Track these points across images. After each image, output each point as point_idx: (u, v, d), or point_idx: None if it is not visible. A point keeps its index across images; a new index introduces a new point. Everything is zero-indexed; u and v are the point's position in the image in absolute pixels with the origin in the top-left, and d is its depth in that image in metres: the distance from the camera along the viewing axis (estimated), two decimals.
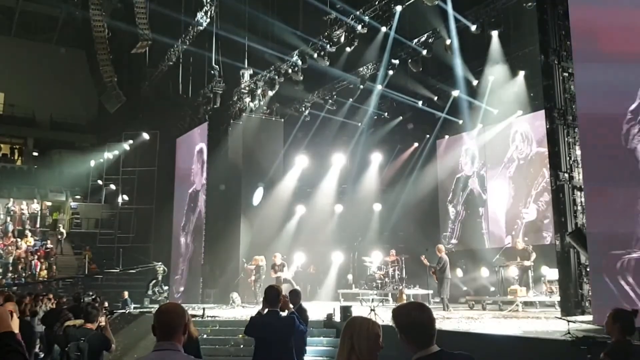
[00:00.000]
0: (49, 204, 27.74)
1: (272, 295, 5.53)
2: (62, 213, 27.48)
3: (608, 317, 4.56)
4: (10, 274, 22.12)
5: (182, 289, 20.31)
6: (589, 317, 8.85)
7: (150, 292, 16.65)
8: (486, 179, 17.22)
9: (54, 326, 10.26)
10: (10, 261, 22.53)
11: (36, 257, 23.19)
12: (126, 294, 17.32)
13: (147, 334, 10.06)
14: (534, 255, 13.06)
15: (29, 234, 24.68)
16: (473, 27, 13.33)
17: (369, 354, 2.50)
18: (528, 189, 15.68)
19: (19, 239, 24.15)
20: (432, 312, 2.59)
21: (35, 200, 26.99)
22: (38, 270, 22.72)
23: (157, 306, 13.78)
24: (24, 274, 22.46)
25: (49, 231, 25.80)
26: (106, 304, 13.58)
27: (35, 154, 31.70)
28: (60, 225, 25.83)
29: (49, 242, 24.54)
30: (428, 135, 19.11)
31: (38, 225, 26.14)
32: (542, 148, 13.79)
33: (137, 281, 19.90)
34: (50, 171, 29.24)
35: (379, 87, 17.29)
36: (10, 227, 24.64)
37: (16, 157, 31.80)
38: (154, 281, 17.06)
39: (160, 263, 17.88)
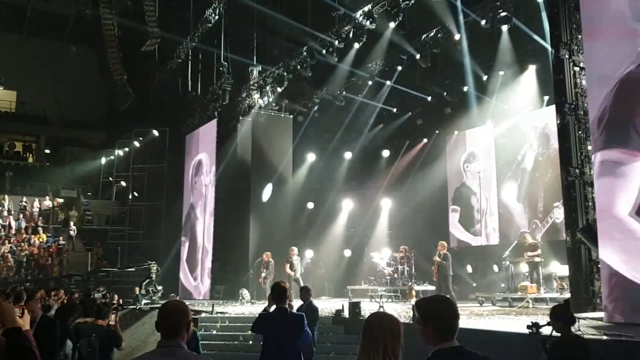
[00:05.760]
0: (61, 200, 27.95)
1: (279, 291, 5.53)
2: (73, 210, 27.70)
3: (549, 316, 4.73)
4: (23, 270, 22.37)
5: (193, 284, 20.40)
6: (600, 314, 8.78)
7: (143, 292, 16.65)
8: (497, 175, 17.07)
9: (67, 320, 10.36)
10: (25, 259, 22.76)
11: (47, 253, 23.43)
12: (137, 289, 17.43)
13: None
14: (539, 250, 12.98)
15: (41, 231, 24.95)
16: (483, 22, 13.22)
17: (392, 352, 2.47)
18: (547, 187, 15.23)
19: (31, 236, 24.41)
20: (457, 306, 2.57)
21: (47, 197, 27.22)
22: (50, 266, 22.96)
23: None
24: (36, 270, 22.69)
25: (61, 228, 26.00)
26: (117, 298, 13.67)
27: (47, 151, 32.02)
28: (71, 222, 26.04)
29: (60, 238, 24.75)
30: (437, 131, 19.01)
31: (50, 222, 26.37)
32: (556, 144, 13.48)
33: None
34: (62, 168, 29.51)
35: (387, 83, 17.22)
36: (23, 224, 24.88)
37: (28, 155, 32.11)
38: (147, 280, 17.08)
39: (153, 262, 17.85)
